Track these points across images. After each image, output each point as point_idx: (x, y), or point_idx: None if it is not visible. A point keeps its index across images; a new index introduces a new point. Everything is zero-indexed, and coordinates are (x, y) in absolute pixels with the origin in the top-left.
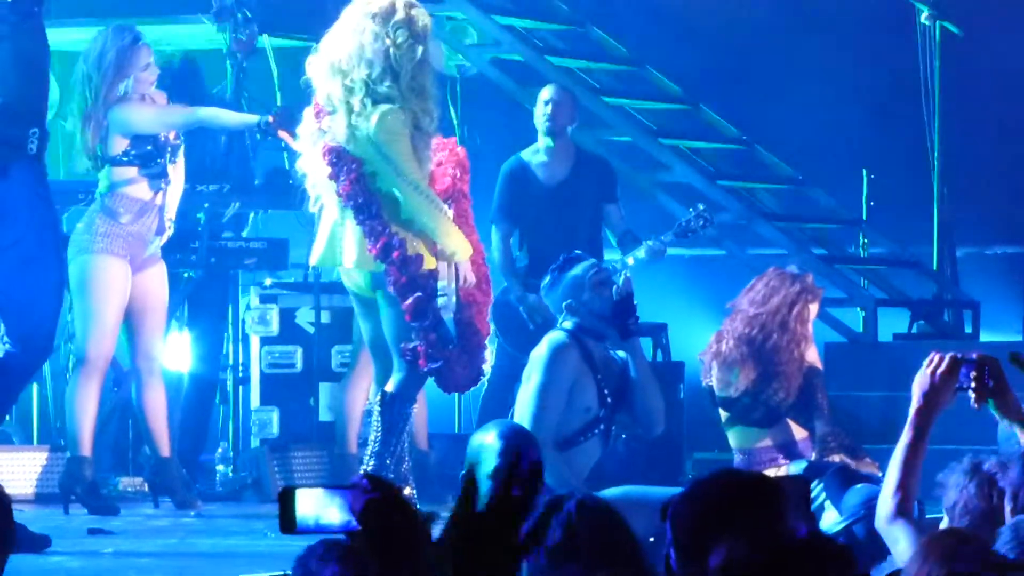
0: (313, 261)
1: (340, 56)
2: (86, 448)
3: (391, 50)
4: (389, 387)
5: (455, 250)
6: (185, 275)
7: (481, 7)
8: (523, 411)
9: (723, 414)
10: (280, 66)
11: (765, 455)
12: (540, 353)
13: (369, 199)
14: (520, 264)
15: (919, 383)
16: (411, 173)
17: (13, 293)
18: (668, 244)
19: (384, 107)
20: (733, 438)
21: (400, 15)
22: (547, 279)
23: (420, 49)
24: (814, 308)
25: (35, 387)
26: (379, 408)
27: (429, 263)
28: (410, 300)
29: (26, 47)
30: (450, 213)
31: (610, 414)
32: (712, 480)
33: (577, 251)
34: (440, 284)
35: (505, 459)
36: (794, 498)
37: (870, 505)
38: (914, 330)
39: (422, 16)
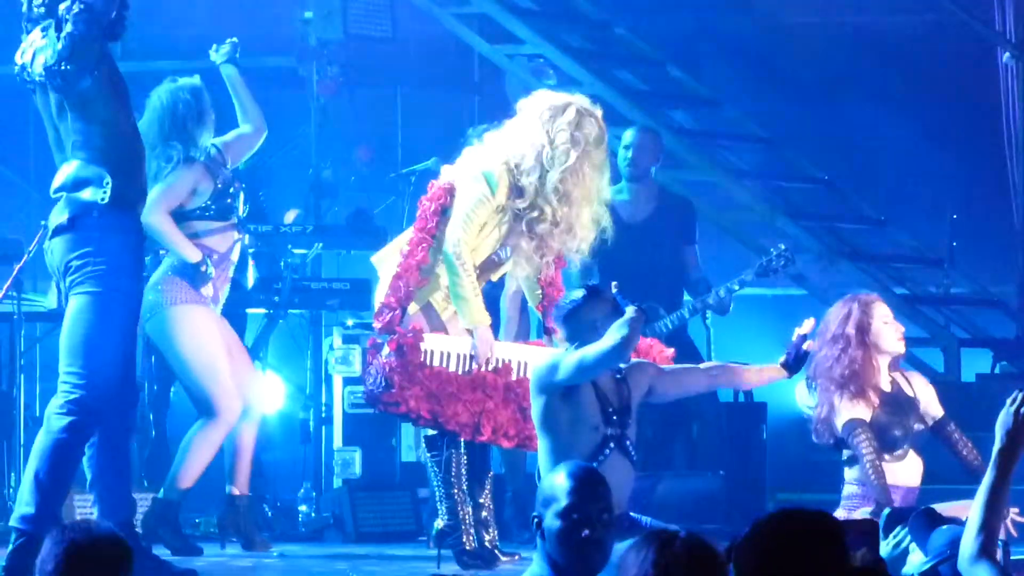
0: None
1: (506, 135)
2: (181, 495)
3: (545, 147)
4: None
5: (469, 321)
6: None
7: (561, 48)
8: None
9: (844, 452)
10: (362, 108)
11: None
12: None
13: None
14: None
15: (1003, 423)
16: (462, 234)
17: (75, 336)
18: (747, 284)
19: (492, 170)
20: (849, 472)
21: (568, 116)
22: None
23: (573, 155)
24: (878, 311)
25: None
26: (427, 453)
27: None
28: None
29: (107, 107)
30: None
31: (619, 431)
32: (774, 520)
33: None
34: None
35: (574, 499)
36: (861, 538)
37: (956, 545)
38: (996, 370)
39: (591, 125)
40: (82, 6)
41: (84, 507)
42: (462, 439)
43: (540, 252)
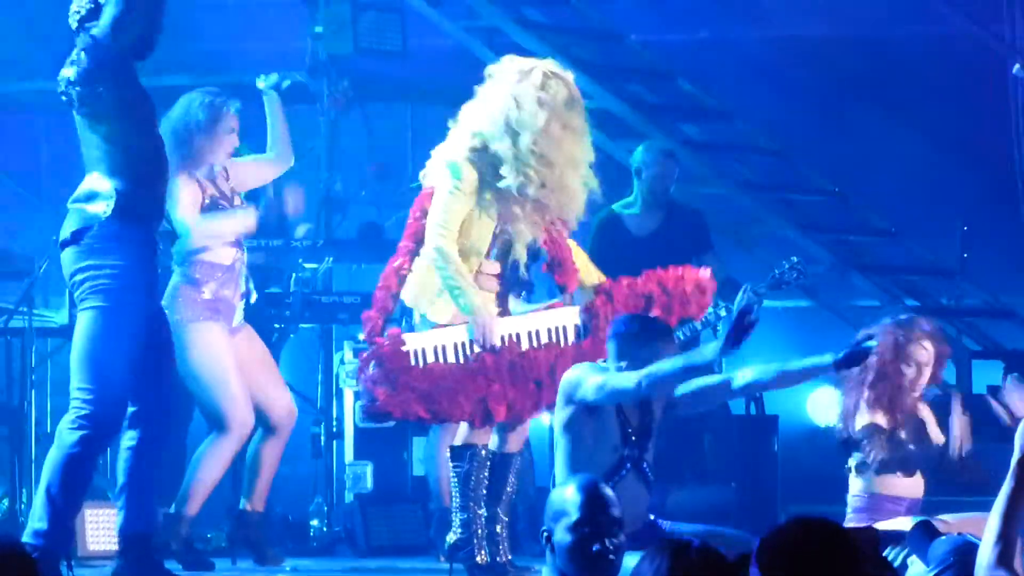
0: None
1: (475, 104)
2: (193, 509)
3: (512, 111)
4: (457, 440)
5: (466, 311)
6: (276, 326)
7: (572, 60)
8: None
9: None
10: (373, 122)
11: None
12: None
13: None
14: None
15: (1021, 433)
16: (441, 228)
17: (81, 352)
18: (763, 295)
19: (453, 160)
20: (854, 483)
21: (534, 79)
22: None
23: (542, 117)
24: (919, 349)
25: None
26: (449, 463)
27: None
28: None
29: (122, 126)
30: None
31: (637, 453)
32: (793, 527)
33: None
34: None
35: (584, 512)
36: (867, 548)
37: (958, 552)
38: (1008, 382)
39: (557, 86)
40: (89, 40)
41: (97, 521)
42: (483, 451)
43: (540, 213)
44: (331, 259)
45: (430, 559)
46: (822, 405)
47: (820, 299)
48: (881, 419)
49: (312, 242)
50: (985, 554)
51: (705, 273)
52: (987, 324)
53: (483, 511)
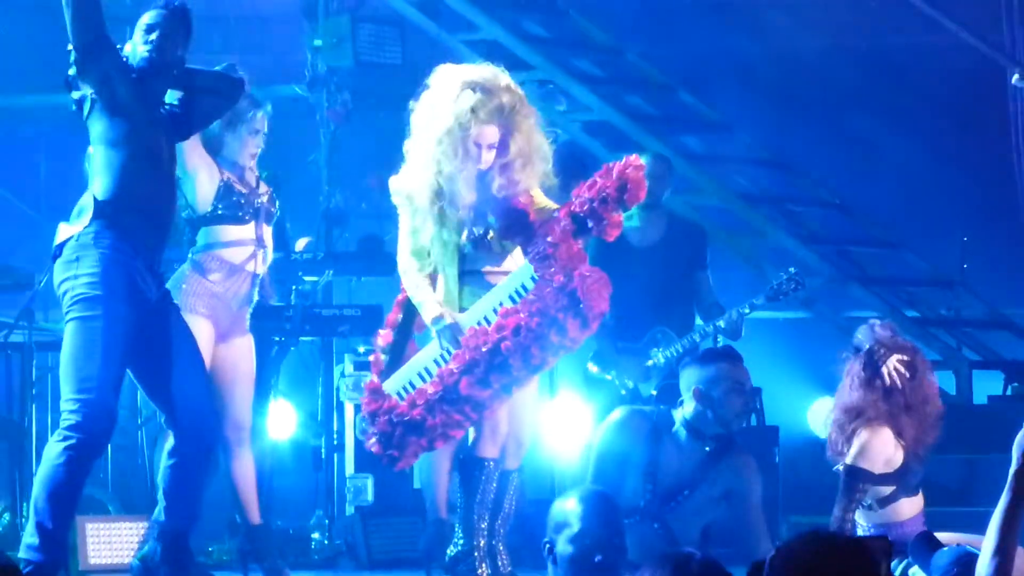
0: None
1: (413, 119)
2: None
3: (431, 119)
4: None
5: (428, 321)
6: (276, 339)
7: (572, 73)
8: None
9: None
10: (372, 134)
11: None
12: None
13: None
14: (608, 326)
15: (1019, 444)
16: (400, 247)
17: (64, 364)
18: (757, 308)
19: (397, 183)
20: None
21: (452, 89)
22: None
23: (444, 124)
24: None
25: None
26: (457, 474)
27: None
28: None
29: (110, 143)
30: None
31: (653, 511)
32: (808, 540)
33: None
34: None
35: (586, 523)
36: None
37: (961, 563)
38: (1008, 392)
39: (469, 98)
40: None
41: (98, 534)
42: (491, 464)
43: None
44: (331, 272)
45: (432, 571)
46: (823, 416)
47: (819, 310)
48: (897, 451)
49: (312, 255)
50: (983, 567)
51: (630, 160)
52: (987, 334)
53: (485, 524)
